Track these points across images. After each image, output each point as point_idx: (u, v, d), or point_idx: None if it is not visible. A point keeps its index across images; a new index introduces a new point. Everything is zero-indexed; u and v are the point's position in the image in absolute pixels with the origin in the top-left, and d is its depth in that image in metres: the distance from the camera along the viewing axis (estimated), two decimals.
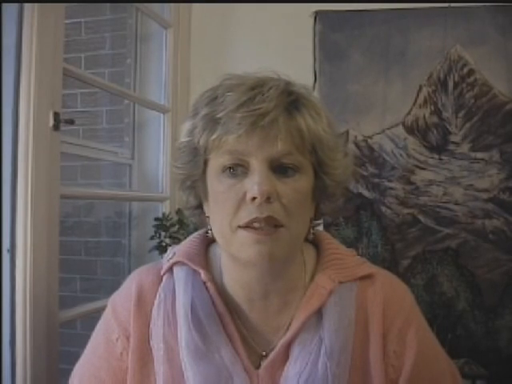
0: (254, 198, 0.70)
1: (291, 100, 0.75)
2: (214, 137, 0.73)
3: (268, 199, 0.70)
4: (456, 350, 1.52)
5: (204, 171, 0.78)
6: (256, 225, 0.71)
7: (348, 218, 1.63)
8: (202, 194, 0.81)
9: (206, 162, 0.78)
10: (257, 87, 0.74)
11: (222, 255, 0.83)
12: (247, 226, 0.71)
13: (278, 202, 0.72)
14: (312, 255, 0.85)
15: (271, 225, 0.71)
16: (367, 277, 0.83)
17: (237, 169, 0.73)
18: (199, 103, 0.78)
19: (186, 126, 0.79)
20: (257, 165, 0.72)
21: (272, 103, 0.72)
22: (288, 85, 0.77)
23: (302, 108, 0.76)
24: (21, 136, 1.07)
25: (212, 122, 0.74)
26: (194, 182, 0.81)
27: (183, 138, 0.80)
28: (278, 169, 0.73)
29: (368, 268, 0.84)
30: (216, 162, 0.75)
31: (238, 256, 0.74)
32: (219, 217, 0.75)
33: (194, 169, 0.79)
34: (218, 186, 0.75)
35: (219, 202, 0.75)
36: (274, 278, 0.78)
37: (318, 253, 0.86)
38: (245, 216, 0.71)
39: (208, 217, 0.81)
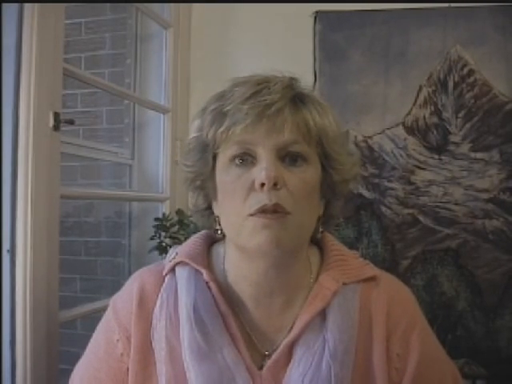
0: (262, 185, 0.71)
1: (296, 93, 0.77)
2: (222, 129, 0.74)
3: (275, 185, 0.71)
4: (456, 350, 1.52)
5: (213, 168, 0.79)
6: (266, 210, 0.71)
7: (348, 218, 1.63)
8: (211, 193, 0.81)
9: (214, 158, 0.79)
10: (263, 83, 0.76)
11: (228, 253, 0.83)
12: (257, 213, 0.72)
13: (286, 189, 0.73)
14: (316, 256, 0.86)
15: (279, 212, 0.72)
16: (371, 279, 0.83)
17: (245, 158, 0.75)
18: (208, 102, 0.80)
19: (195, 124, 0.81)
20: (264, 153, 0.73)
21: (278, 95, 0.74)
22: (292, 80, 0.79)
23: (307, 102, 0.78)
24: (21, 136, 1.07)
25: (220, 115, 0.75)
26: (203, 181, 0.82)
27: (192, 135, 0.81)
28: (286, 158, 0.75)
29: (372, 270, 0.84)
30: (224, 154, 0.76)
31: (247, 245, 0.75)
32: (229, 208, 0.76)
33: (203, 166, 0.80)
34: (226, 177, 0.76)
35: (228, 192, 0.76)
36: (279, 272, 0.78)
37: (322, 254, 0.86)
38: (254, 204, 0.72)
39: (217, 217, 0.81)
